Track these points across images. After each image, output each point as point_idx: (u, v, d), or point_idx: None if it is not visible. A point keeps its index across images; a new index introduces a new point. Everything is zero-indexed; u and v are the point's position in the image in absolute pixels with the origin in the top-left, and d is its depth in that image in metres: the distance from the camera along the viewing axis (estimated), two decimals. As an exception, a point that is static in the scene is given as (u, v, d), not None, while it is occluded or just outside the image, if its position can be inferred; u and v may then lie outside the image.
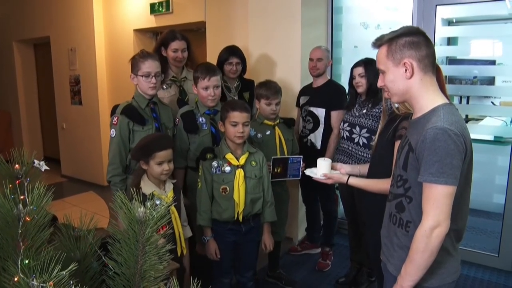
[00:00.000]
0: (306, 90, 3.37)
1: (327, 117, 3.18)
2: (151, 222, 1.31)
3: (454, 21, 4.58)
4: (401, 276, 1.41)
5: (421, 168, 1.34)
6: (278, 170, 2.69)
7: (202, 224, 2.39)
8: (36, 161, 1.64)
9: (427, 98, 1.42)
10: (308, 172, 2.08)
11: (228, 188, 2.35)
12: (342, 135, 2.90)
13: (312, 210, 3.63)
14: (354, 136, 2.79)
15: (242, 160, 2.35)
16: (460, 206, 1.38)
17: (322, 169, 2.00)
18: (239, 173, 2.34)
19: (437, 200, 1.30)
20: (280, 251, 3.26)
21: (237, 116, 2.30)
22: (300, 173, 2.71)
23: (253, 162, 2.40)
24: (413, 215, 1.43)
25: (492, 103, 4.36)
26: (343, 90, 3.23)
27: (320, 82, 3.25)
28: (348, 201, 3.01)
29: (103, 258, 1.34)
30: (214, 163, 2.36)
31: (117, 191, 2.31)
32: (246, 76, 3.37)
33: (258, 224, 2.51)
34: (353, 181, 1.94)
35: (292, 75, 3.65)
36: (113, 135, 2.40)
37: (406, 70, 1.41)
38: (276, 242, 2.99)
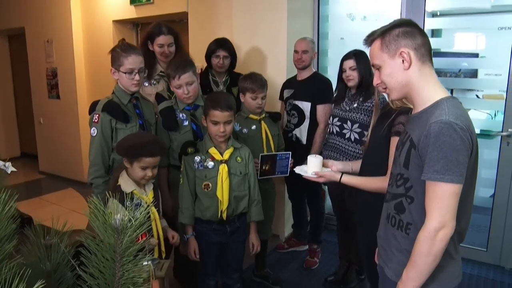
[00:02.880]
0: (290, 83, 3.27)
1: (313, 111, 3.08)
2: (129, 231, 1.19)
3: (438, 13, 4.54)
4: (402, 282, 1.32)
5: (424, 166, 1.25)
6: (266, 168, 2.59)
7: (184, 222, 2.28)
8: (1, 163, 1.49)
9: (428, 90, 1.33)
10: (298, 170, 1.97)
11: (210, 185, 2.23)
12: (331, 130, 2.81)
13: (298, 206, 3.54)
14: (345, 131, 2.70)
15: (226, 155, 2.24)
16: (464, 206, 1.30)
17: (313, 167, 1.90)
18: (223, 168, 2.22)
19: (442, 200, 1.21)
20: (267, 249, 3.16)
21: (218, 115, 2.17)
22: (289, 170, 2.61)
23: (238, 158, 2.29)
24: (415, 217, 1.34)
25: (477, 96, 4.34)
26: (329, 83, 3.14)
27: (305, 74, 3.15)
28: (337, 198, 2.93)
29: (77, 269, 1.21)
30: (197, 158, 2.24)
31: (100, 194, 2.19)
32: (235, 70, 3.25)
33: (244, 223, 2.40)
34: (347, 179, 1.85)
35: (277, 68, 3.54)
36: (94, 134, 2.24)
37: (403, 60, 1.34)
38: (263, 240, 2.90)
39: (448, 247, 1.28)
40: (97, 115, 2.23)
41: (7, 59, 6.41)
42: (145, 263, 1.93)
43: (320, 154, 3.03)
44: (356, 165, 2.05)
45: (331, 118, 2.82)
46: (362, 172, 1.98)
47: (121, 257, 1.18)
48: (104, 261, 1.19)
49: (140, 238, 1.25)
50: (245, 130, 2.70)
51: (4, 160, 1.46)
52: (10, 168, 1.49)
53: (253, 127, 2.71)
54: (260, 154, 2.54)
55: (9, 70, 6.42)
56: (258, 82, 2.65)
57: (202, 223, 2.30)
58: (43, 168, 5.85)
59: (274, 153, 2.67)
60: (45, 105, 5.64)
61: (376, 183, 1.76)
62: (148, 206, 2.00)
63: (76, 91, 5.18)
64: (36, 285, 1.00)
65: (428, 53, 1.36)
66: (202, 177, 2.24)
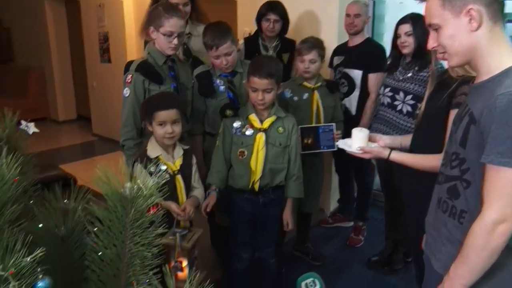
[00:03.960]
0: (340, 50, 3.03)
1: (364, 80, 2.85)
2: (138, 201, 1.09)
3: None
4: (449, 277, 1.14)
5: (486, 146, 1.04)
6: (309, 141, 2.40)
7: (211, 182, 2.17)
8: (23, 122, 1.44)
9: (497, 55, 1.11)
10: (341, 144, 1.80)
11: (246, 153, 2.11)
12: (382, 101, 2.57)
13: (345, 180, 3.37)
14: (396, 103, 2.46)
15: (266, 124, 2.09)
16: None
17: (358, 142, 1.72)
18: (260, 137, 2.08)
19: (505, 188, 1.02)
20: (311, 223, 3.02)
21: (257, 82, 2.01)
22: (335, 144, 2.40)
23: (280, 128, 2.13)
24: (470, 204, 1.14)
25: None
26: (382, 50, 2.90)
27: (357, 40, 2.91)
28: (385, 174, 2.73)
29: (92, 234, 1.13)
30: (236, 124, 2.12)
31: (130, 156, 2.14)
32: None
33: (281, 197, 2.26)
34: (396, 156, 1.65)
35: (328, 33, 3.29)
36: (127, 95, 2.18)
37: (470, 19, 1.11)
38: (307, 214, 2.78)
39: (510, 242, 1.07)
40: (130, 75, 2.17)
41: (64, 25, 6.55)
42: (171, 236, 1.81)
43: (369, 127, 2.81)
44: (406, 140, 1.84)
45: (382, 88, 2.58)
46: (412, 149, 1.77)
47: (130, 228, 1.09)
48: (114, 232, 1.11)
49: (150, 209, 1.15)
50: (295, 98, 2.53)
51: (27, 120, 1.42)
52: (32, 128, 1.44)
53: (305, 96, 2.53)
54: (299, 127, 2.35)
55: (66, 35, 6.56)
56: (307, 43, 2.47)
57: (234, 192, 2.19)
58: (96, 131, 6.01)
59: (314, 125, 2.47)
60: (98, 69, 5.73)
61: (428, 161, 1.55)
62: (161, 172, 1.89)
63: (126, 55, 5.19)
64: (34, 254, 0.94)
65: (500, 11, 1.13)
66: (239, 144, 2.12)
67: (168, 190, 1.69)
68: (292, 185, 2.21)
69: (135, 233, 1.06)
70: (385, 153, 1.68)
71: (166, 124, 1.87)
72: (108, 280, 1.09)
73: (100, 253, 1.10)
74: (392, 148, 1.70)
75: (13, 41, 7.20)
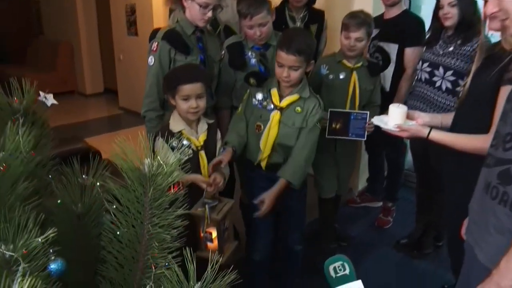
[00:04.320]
0: (376, 22, 2.84)
1: (400, 54, 2.68)
2: (158, 179, 1.01)
3: None
4: (499, 271, 1.02)
5: None
6: (337, 126, 2.26)
7: (228, 140, 1.95)
8: (42, 94, 1.37)
9: None
10: (377, 121, 1.68)
11: (262, 127, 1.99)
12: (419, 77, 2.41)
13: (375, 159, 3.25)
14: (435, 79, 2.30)
15: (285, 102, 1.95)
16: None
17: (395, 119, 1.60)
18: (274, 115, 1.96)
19: None
20: (339, 203, 2.89)
21: (283, 57, 1.86)
22: (366, 133, 2.25)
23: (298, 108, 1.96)
24: None
25: None
26: (421, 22, 2.70)
27: (393, 12, 2.73)
28: (419, 154, 2.59)
29: (111, 213, 1.08)
30: (259, 95, 2.00)
31: (152, 129, 2.08)
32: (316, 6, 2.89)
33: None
34: (437, 135, 1.52)
35: (362, 4, 3.10)
36: (151, 64, 2.11)
37: None
38: (337, 196, 2.66)
39: None
40: (156, 44, 2.09)
41: (92, -4, 6.51)
42: (200, 207, 1.73)
43: (405, 103, 2.65)
44: (447, 118, 1.71)
45: (420, 63, 2.41)
46: (455, 128, 1.63)
47: (149, 208, 1.02)
48: (133, 212, 1.05)
49: (171, 188, 1.07)
50: (331, 77, 2.35)
51: (45, 92, 1.36)
52: (51, 100, 1.37)
53: (342, 75, 2.34)
54: (329, 110, 2.22)
55: (94, 7, 6.52)
56: (356, 19, 2.26)
57: (251, 167, 2.07)
58: (123, 104, 6.01)
59: (347, 110, 2.30)
60: (124, 42, 5.68)
61: (473, 142, 1.42)
62: (183, 148, 1.80)
63: (152, 28, 5.10)
64: (46, 234, 0.88)
65: None
66: (257, 116, 2.01)
67: (191, 166, 1.63)
68: (289, 166, 1.97)
69: (154, 214, 1.00)
70: (424, 131, 1.55)
71: (190, 98, 1.78)
72: (126, 262, 1.03)
73: (118, 233, 1.05)
74: (431, 127, 1.57)
75: (43, 15, 7.22)
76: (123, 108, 5.99)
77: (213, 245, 1.77)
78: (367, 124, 2.22)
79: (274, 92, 1.96)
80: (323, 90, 2.33)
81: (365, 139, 2.29)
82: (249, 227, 2.47)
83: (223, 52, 2.29)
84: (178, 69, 1.90)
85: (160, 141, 1.77)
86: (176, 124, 1.83)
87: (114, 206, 1.03)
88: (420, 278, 2.57)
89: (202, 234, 1.78)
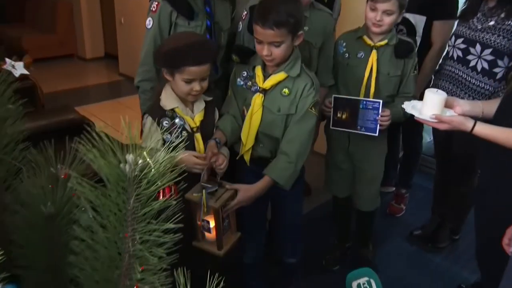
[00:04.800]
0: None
1: (427, 27, 2.38)
2: (143, 181, 0.79)
3: None
4: None
5: None
6: (343, 116, 1.91)
7: (219, 125, 1.69)
8: (8, 61, 1.14)
9: None
10: (409, 108, 1.44)
11: (246, 113, 1.70)
12: (450, 54, 2.14)
13: (390, 142, 2.98)
14: (470, 57, 2.02)
15: (268, 83, 1.63)
16: None
17: (432, 107, 1.36)
18: (256, 99, 1.65)
19: None
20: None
21: (260, 32, 1.53)
22: (378, 127, 1.88)
23: (285, 90, 1.63)
24: None
25: None
26: None
27: (422, -21, 2.40)
28: (442, 140, 2.36)
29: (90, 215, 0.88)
30: (244, 72, 1.71)
31: (146, 101, 1.84)
32: None
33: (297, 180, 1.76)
34: (483, 129, 1.30)
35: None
36: (149, 26, 1.85)
37: None
38: (366, 212, 2.26)
39: None
40: (156, 4, 1.82)
41: (92, -47, 6.13)
42: (196, 192, 1.47)
43: (429, 84, 2.40)
44: (489, 107, 1.47)
45: (453, 38, 2.13)
46: (499, 119, 1.39)
47: (132, 218, 0.80)
48: (113, 223, 0.83)
49: (161, 192, 0.85)
50: (347, 55, 2.00)
51: (12, 58, 1.13)
52: (20, 70, 1.15)
53: (360, 54, 1.96)
54: (333, 95, 1.90)
55: (95, -36, 6.16)
56: None
57: (240, 160, 1.78)
58: (123, 70, 5.73)
59: (355, 97, 1.92)
60: (126, 3, 5.36)
61: None
62: (177, 128, 1.52)
63: (156, -10, 4.80)
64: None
65: None
66: (242, 98, 1.72)
67: (184, 150, 1.40)
68: (276, 162, 1.65)
69: (135, 229, 0.79)
70: (467, 124, 1.32)
71: (194, 81, 1.52)
72: (104, 284, 0.83)
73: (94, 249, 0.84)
74: (475, 118, 1.33)
75: (41, -29, 6.86)
76: (123, 75, 5.72)
77: (212, 235, 1.57)
78: (379, 116, 1.85)
79: (258, 70, 1.66)
80: (339, 73, 2.04)
81: (377, 134, 1.89)
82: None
83: (244, 13, 1.99)
84: (183, 45, 1.50)
85: (149, 120, 1.54)
86: (169, 100, 1.57)
87: (91, 215, 0.83)
88: (434, 274, 2.38)
89: (199, 222, 1.58)
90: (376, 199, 2.23)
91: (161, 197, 0.80)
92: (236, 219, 1.66)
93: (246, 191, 1.59)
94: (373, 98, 1.91)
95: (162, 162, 0.78)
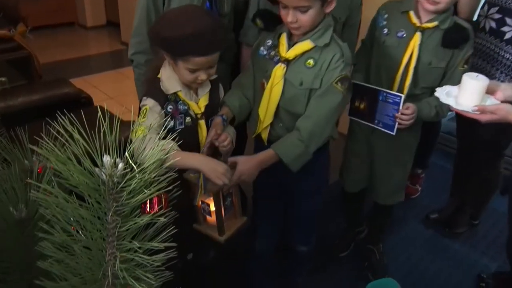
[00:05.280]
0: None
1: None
2: (127, 188, 0.63)
3: None
4: None
5: None
6: (361, 106, 1.72)
7: (226, 100, 1.51)
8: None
9: None
10: (443, 96, 1.26)
11: (265, 86, 1.51)
12: (482, 25, 1.92)
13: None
14: (505, 29, 1.80)
15: (291, 52, 1.43)
16: None
17: (472, 95, 1.17)
18: (277, 70, 1.45)
19: None
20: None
21: None
22: (396, 126, 1.67)
23: (310, 61, 1.42)
24: None
25: None
26: None
27: None
28: (467, 121, 2.16)
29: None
30: (269, 41, 1.51)
31: (140, 76, 1.66)
32: None
33: (317, 164, 1.58)
34: None
35: None
36: None
37: None
38: (385, 206, 2.07)
39: None
40: None
41: None
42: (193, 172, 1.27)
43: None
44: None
45: (485, 7, 1.91)
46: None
47: (112, 234, 0.64)
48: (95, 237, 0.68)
49: (147, 205, 0.69)
50: (386, 31, 1.70)
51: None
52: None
53: (401, 33, 1.66)
54: (352, 81, 1.63)
55: None
56: None
57: (256, 138, 1.61)
58: (125, 39, 5.49)
59: (374, 87, 1.70)
60: (128, -33, 5.10)
61: None
62: (181, 116, 1.35)
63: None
64: None
65: None
66: (263, 70, 1.51)
67: (187, 140, 1.24)
68: (287, 137, 1.46)
69: (120, 245, 0.64)
70: None
71: (199, 70, 1.32)
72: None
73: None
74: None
75: None
76: (125, 44, 5.48)
77: (212, 219, 1.43)
78: (399, 113, 1.63)
79: (282, 38, 1.46)
80: (374, 51, 1.75)
81: (394, 133, 1.68)
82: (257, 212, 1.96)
83: None
84: (188, 34, 1.25)
85: (149, 102, 1.35)
86: (170, 83, 1.36)
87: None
88: (451, 261, 2.24)
89: (199, 204, 1.44)
90: (400, 192, 2.03)
91: (147, 209, 0.65)
92: (253, 204, 1.51)
93: (246, 162, 1.41)
94: (409, 89, 1.67)
95: (149, 166, 0.62)
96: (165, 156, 1.15)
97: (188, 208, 1.44)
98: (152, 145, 1.15)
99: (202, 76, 1.32)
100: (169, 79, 1.36)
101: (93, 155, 0.61)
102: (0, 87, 2.49)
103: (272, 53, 1.48)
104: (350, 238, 2.29)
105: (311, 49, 1.42)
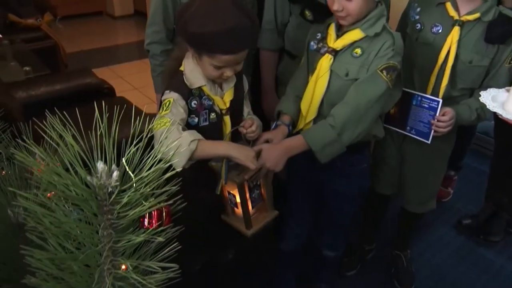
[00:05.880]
0: None
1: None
2: (121, 202, 0.52)
3: None
4: None
5: None
6: (391, 111, 1.56)
7: (282, 109, 1.43)
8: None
9: None
10: (488, 101, 1.14)
11: (310, 78, 1.41)
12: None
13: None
14: None
15: (340, 42, 1.33)
16: None
17: None
18: (324, 61, 1.34)
19: None
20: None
21: None
22: (432, 134, 1.51)
23: (357, 50, 1.32)
24: None
25: None
26: None
27: None
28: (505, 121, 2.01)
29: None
30: (318, 34, 1.41)
31: (157, 67, 1.59)
32: None
33: (357, 165, 1.50)
34: None
35: None
36: None
37: None
38: (414, 214, 1.94)
39: None
40: None
41: None
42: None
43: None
44: None
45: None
46: None
47: (105, 250, 0.55)
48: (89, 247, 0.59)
49: (146, 219, 0.59)
50: (419, 26, 1.54)
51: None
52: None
53: (437, 28, 1.50)
54: None
55: None
56: None
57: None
58: (152, 29, 5.49)
59: (408, 90, 1.53)
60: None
61: None
62: (206, 112, 1.27)
63: None
64: None
65: None
66: (312, 64, 1.41)
67: (210, 137, 1.16)
68: (319, 124, 1.34)
69: (114, 261, 0.56)
70: None
71: (225, 67, 1.22)
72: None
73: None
74: None
75: None
76: (153, 34, 5.49)
77: (240, 211, 1.35)
78: (436, 120, 1.47)
79: (331, 28, 1.36)
80: (405, 48, 1.46)
81: (429, 142, 1.53)
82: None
83: None
84: (216, 30, 1.15)
85: (173, 95, 1.24)
86: (194, 76, 1.26)
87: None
88: (485, 272, 2.09)
89: (226, 195, 1.36)
90: (432, 200, 1.89)
91: (145, 224, 0.57)
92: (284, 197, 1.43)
93: (270, 148, 1.29)
94: (445, 91, 1.52)
95: (149, 175, 0.54)
96: (190, 148, 1.09)
97: (215, 200, 1.36)
98: (175, 138, 1.10)
99: (228, 73, 1.23)
100: (193, 72, 1.26)
101: (87, 160, 0.54)
102: (24, 76, 2.50)
103: (320, 44, 1.39)
104: (359, 257, 2.12)
105: (360, 39, 1.31)
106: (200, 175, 1.27)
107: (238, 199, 1.33)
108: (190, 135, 1.16)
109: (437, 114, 1.47)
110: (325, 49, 1.36)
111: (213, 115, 1.29)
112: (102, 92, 2.41)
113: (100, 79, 2.47)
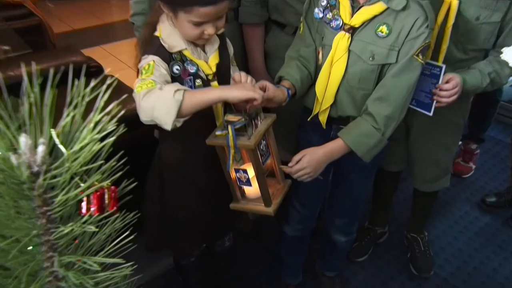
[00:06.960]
0: None
1: None
2: (52, 182, 0.28)
3: None
4: None
5: None
6: None
7: (283, 75, 1.26)
8: None
9: None
10: None
11: (321, 57, 1.25)
12: None
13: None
14: None
15: (358, 18, 1.15)
16: None
17: None
18: (341, 40, 1.17)
19: None
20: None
21: None
22: (434, 106, 1.33)
23: (382, 28, 1.15)
24: None
25: None
26: None
27: None
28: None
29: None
30: (324, 1, 1.22)
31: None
32: None
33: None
34: None
35: None
36: None
37: None
38: (430, 193, 1.77)
39: None
40: None
41: None
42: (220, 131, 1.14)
43: None
44: None
45: None
46: None
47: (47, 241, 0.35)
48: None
49: (94, 200, 0.34)
50: None
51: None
52: None
53: None
54: None
55: None
56: None
57: (307, 117, 1.35)
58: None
59: None
60: None
61: None
62: (191, 78, 1.09)
63: None
64: None
65: None
66: (319, 36, 1.26)
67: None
68: (359, 125, 1.20)
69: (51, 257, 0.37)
70: None
71: (205, 24, 1.06)
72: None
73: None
74: None
75: None
76: (149, 11, 5.27)
77: (254, 189, 1.17)
78: (438, 90, 1.30)
79: (345, 0, 1.17)
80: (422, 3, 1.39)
81: (431, 114, 1.34)
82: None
83: None
84: None
85: (153, 57, 1.05)
86: (173, 39, 1.09)
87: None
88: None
89: (233, 175, 1.18)
90: (443, 178, 1.70)
91: (83, 210, 0.40)
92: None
93: (313, 154, 1.19)
94: (450, 54, 1.35)
95: (84, 147, 0.36)
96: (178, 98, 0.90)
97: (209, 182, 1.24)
98: (161, 98, 0.92)
99: (209, 30, 1.07)
100: (171, 36, 1.08)
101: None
102: (3, 56, 2.31)
103: (329, 15, 1.20)
104: (370, 240, 1.93)
105: (382, 12, 1.13)
106: (192, 155, 1.18)
107: (251, 174, 1.14)
108: (173, 86, 0.98)
109: (440, 82, 1.29)
110: (338, 23, 1.18)
111: (199, 81, 1.12)
112: (89, 70, 2.22)
113: (88, 57, 2.27)
